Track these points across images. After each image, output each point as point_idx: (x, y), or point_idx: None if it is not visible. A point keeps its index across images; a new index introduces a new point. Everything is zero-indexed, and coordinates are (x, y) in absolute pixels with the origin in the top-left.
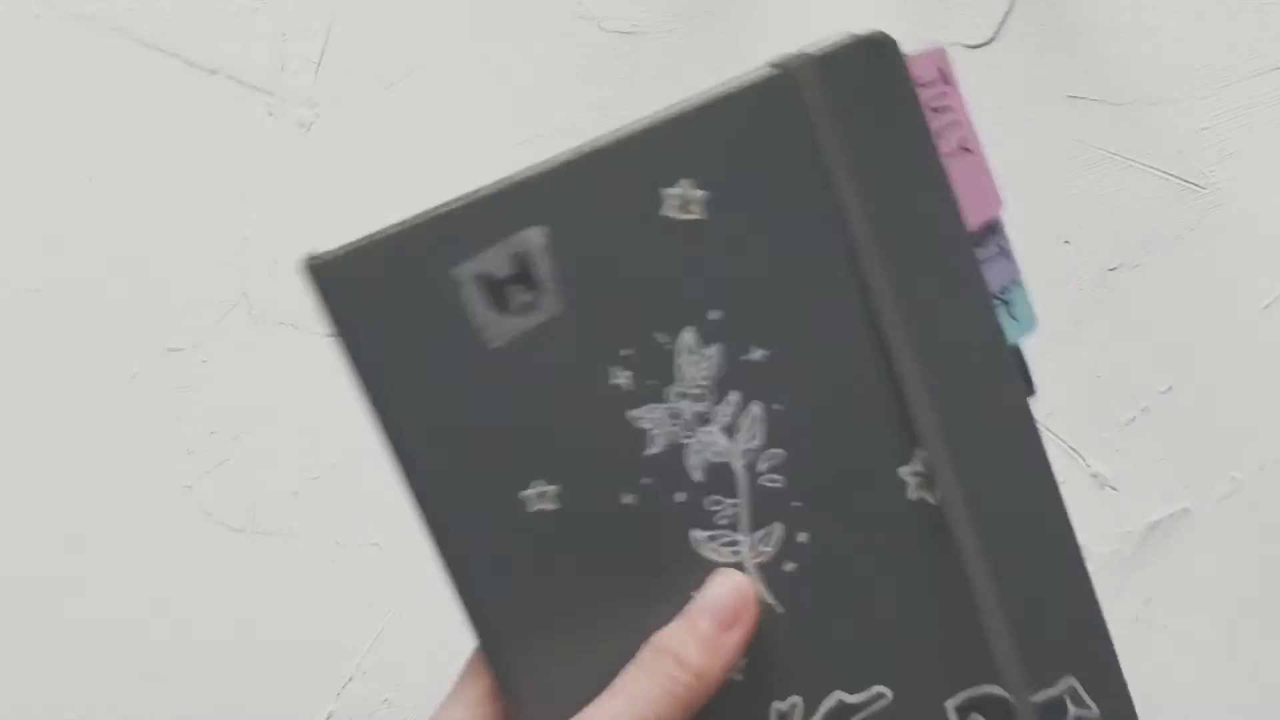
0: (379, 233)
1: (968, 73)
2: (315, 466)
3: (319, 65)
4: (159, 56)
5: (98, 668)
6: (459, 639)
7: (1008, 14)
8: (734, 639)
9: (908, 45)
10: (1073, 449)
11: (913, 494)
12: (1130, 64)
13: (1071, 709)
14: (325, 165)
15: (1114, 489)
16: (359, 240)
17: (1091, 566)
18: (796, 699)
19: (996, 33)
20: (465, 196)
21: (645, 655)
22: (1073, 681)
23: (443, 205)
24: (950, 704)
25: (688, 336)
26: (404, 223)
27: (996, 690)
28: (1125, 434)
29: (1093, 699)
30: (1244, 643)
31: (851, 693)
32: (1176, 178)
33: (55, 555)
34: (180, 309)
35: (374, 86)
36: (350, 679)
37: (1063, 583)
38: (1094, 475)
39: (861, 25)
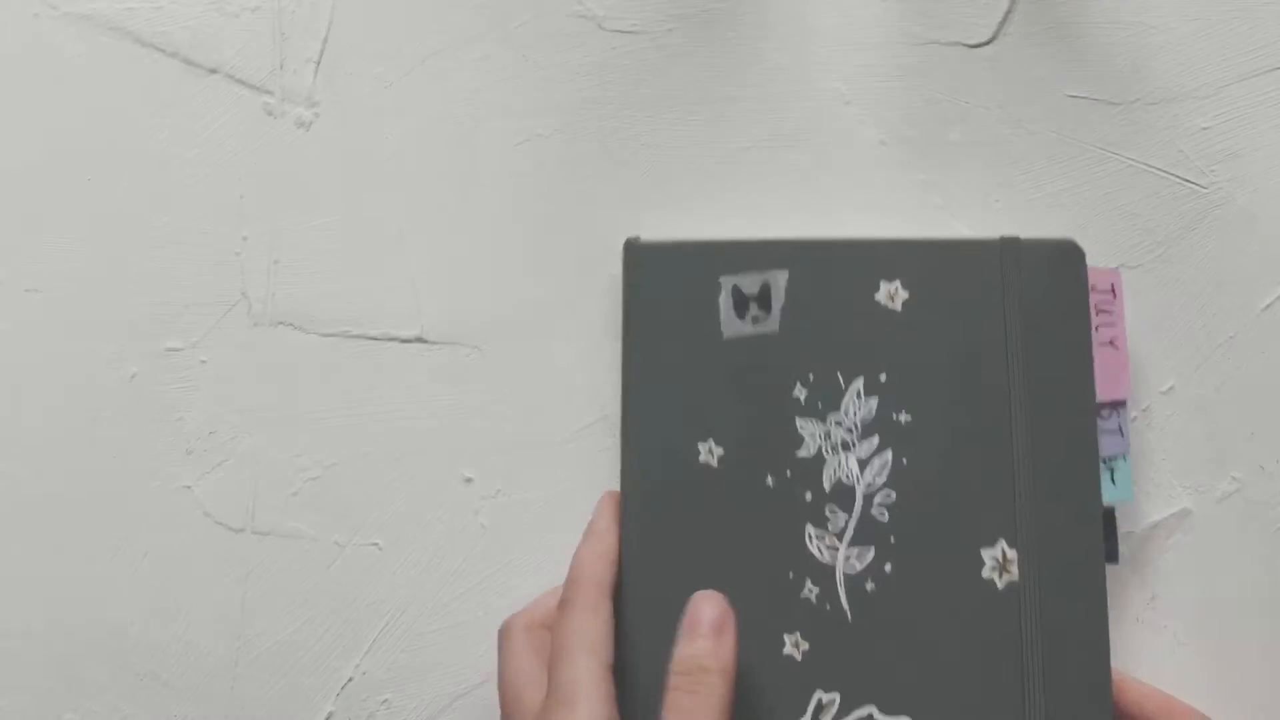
0: (680, 240)
1: (968, 72)
2: (315, 466)
3: (319, 65)
4: (158, 56)
5: (97, 668)
6: (459, 639)
7: (1008, 14)
8: (728, 641)
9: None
10: None
11: (985, 573)
12: (1130, 64)
13: None
14: (325, 165)
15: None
16: (666, 240)
17: None
18: (836, 695)
19: (996, 33)
20: (746, 239)
21: (677, 679)
22: None
23: (730, 239)
24: None
25: (858, 384)
26: (699, 240)
27: None
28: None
29: None
30: (1244, 643)
31: (883, 712)
32: (1176, 178)
33: (53, 555)
34: (180, 309)
35: (374, 86)
36: (350, 679)
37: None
38: None
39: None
